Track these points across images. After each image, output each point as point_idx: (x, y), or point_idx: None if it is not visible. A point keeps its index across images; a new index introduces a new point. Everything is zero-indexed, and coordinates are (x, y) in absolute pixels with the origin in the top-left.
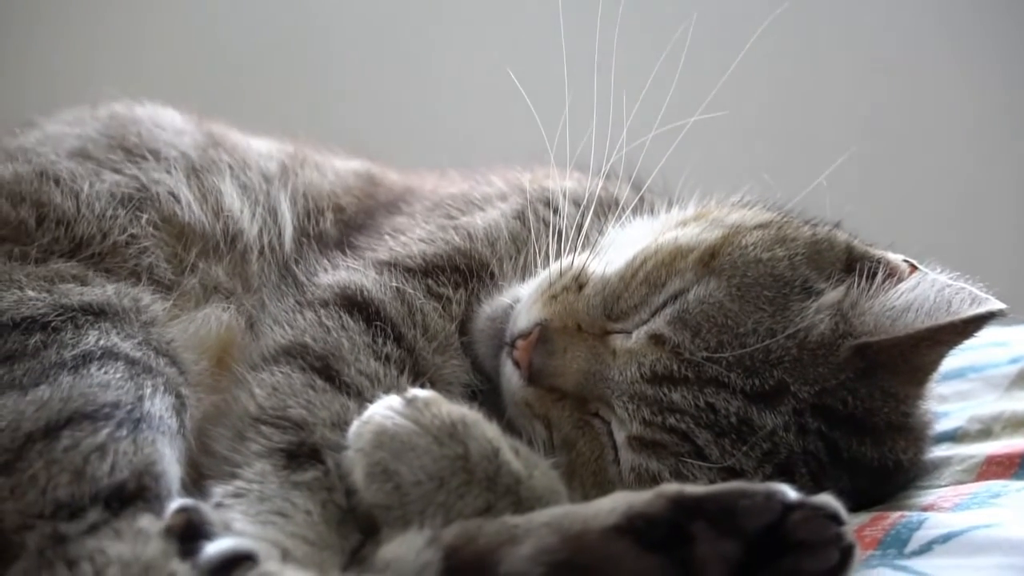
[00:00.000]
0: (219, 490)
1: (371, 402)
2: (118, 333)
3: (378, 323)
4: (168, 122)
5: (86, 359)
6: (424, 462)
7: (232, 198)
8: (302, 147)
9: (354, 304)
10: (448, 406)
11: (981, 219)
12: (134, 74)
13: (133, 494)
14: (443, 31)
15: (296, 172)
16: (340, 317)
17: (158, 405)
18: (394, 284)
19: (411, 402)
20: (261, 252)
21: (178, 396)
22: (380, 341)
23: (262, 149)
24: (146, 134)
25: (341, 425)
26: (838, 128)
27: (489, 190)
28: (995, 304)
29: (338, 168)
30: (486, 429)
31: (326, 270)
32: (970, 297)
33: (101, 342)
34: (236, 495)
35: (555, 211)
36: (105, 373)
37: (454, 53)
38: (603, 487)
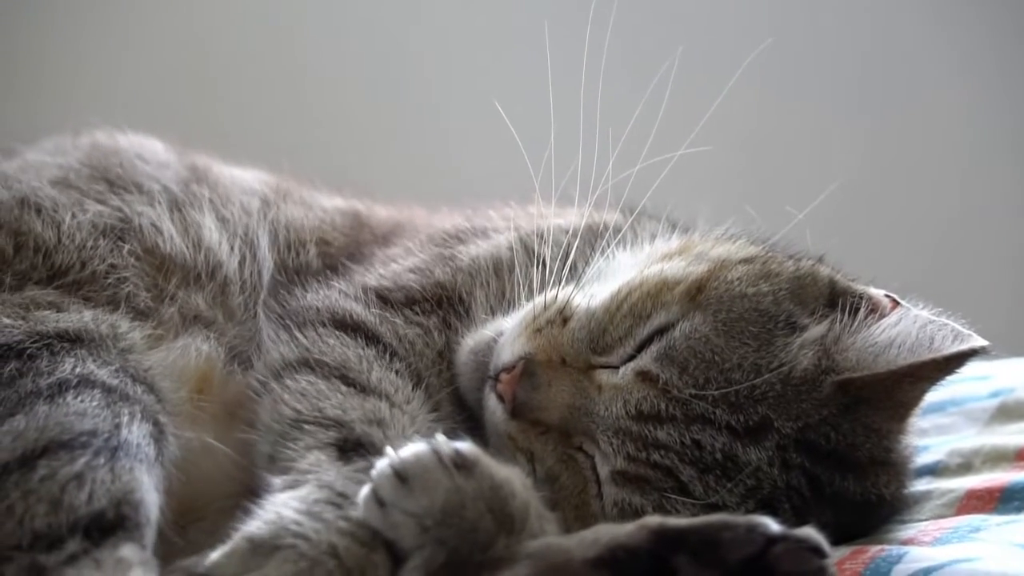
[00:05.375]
0: (278, 481)
1: (399, 406)
2: (94, 360)
3: (378, 344)
4: (151, 155)
5: (62, 387)
6: (454, 521)
7: (211, 231)
8: (286, 181)
9: (347, 325)
10: (495, 467)
11: (966, 253)
12: (119, 91)
13: (113, 523)
14: (430, 61)
15: (278, 205)
16: (339, 335)
17: (135, 433)
18: (380, 311)
19: (462, 464)
20: (243, 284)
21: (156, 424)
22: (386, 357)
23: (244, 183)
24: (128, 167)
25: (377, 423)
26: (823, 162)
27: (483, 223)
28: (977, 341)
29: (324, 205)
30: (519, 488)
31: (316, 292)
32: (952, 333)
33: (77, 369)
34: (292, 486)
35: (544, 244)
36: (81, 401)
37: (440, 83)
38: (585, 521)
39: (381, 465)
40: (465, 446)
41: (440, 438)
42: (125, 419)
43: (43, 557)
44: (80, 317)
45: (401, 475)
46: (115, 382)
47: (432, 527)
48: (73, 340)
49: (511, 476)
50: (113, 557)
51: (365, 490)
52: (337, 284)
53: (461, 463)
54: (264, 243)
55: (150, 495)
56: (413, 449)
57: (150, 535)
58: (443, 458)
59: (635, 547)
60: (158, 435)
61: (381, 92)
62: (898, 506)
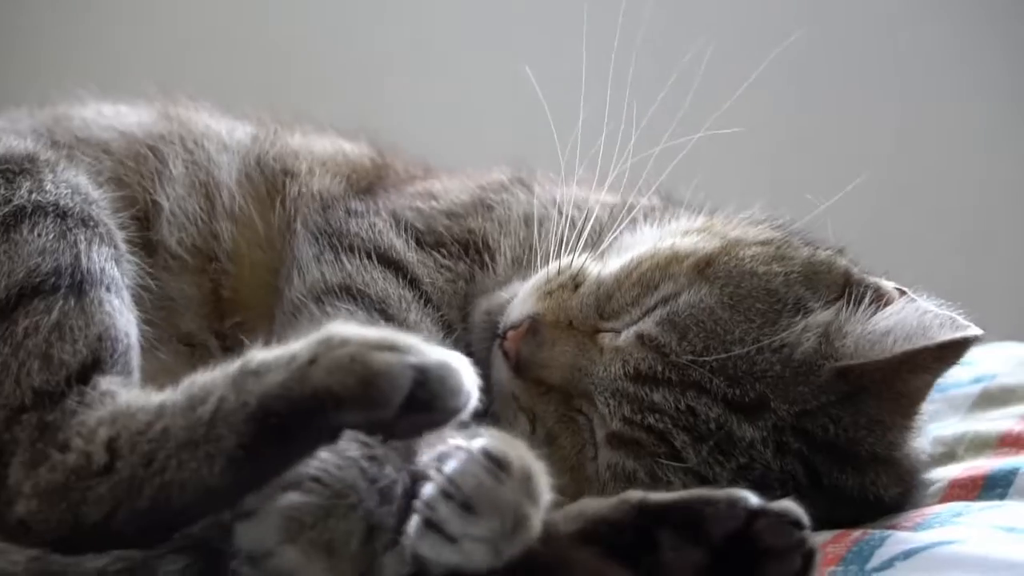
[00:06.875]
0: None
1: None
2: (53, 180)
3: (417, 288)
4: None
5: (17, 218)
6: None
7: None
8: (290, 123)
9: (390, 262)
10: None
11: (989, 248)
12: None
13: (92, 366)
14: (462, 28)
15: (272, 140)
16: (383, 271)
17: (95, 258)
18: (416, 253)
19: (498, 468)
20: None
21: (116, 248)
22: (422, 302)
23: (234, 123)
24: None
25: None
26: (853, 153)
27: (529, 179)
28: (973, 330)
29: (337, 142)
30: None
31: (361, 219)
32: (950, 323)
33: (34, 196)
34: None
35: (575, 210)
36: (39, 235)
37: (471, 50)
38: (580, 484)
39: (432, 495)
40: (487, 442)
41: (474, 445)
42: (83, 246)
43: (49, 416)
44: (24, 143)
45: (464, 503)
46: (70, 204)
47: (503, 546)
48: (30, 160)
49: (519, 449)
50: (98, 394)
51: (422, 530)
52: (382, 213)
53: (499, 462)
54: (236, 171)
55: (122, 319)
56: (461, 468)
57: (133, 356)
58: (484, 464)
59: (617, 521)
60: (119, 257)
61: (408, 54)
62: (897, 510)
